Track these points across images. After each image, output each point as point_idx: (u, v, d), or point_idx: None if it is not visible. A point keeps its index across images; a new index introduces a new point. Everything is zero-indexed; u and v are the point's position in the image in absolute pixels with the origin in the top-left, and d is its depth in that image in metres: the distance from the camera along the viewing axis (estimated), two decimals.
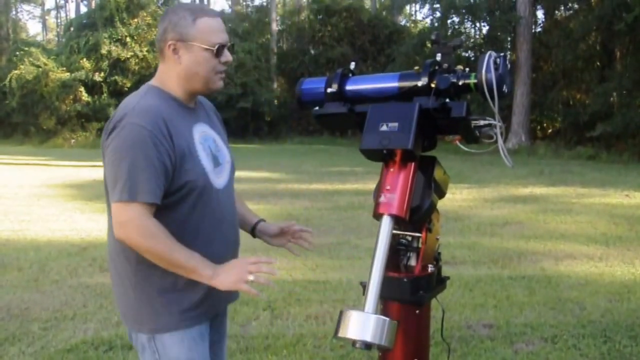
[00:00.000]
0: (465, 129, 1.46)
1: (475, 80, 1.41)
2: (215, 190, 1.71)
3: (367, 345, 1.31)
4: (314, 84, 1.66)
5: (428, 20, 24.27)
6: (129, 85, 22.78)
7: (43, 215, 7.86)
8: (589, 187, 9.94)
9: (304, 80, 1.70)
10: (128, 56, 23.27)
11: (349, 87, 1.59)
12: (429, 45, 20.42)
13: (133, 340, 1.76)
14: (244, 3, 38.21)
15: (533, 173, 11.91)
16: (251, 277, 1.58)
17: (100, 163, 1.71)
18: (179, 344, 1.68)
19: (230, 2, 41.45)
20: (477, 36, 22.61)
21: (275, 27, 28.53)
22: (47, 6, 53.16)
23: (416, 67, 1.49)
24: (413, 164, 1.46)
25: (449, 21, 20.33)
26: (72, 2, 46.94)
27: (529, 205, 8.39)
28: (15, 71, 24.18)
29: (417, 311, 1.54)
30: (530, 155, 15.74)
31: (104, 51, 23.35)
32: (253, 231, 1.99)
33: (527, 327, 3.70)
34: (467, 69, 1.46)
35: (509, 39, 20.07)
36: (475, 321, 3.84)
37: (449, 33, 19.13)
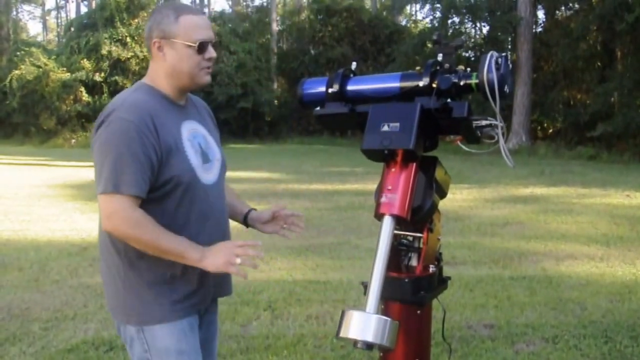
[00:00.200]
0: (466, 129, 1.46)
1: (477, 81, 1.41)
2: (203, 185, 1.74)
3: (369, 346, 1.31)
4: (315, 84, 1.66)
5: (428, 20, 24.25)
6: (129, 85, 22.56)
7: (43, 215, 7.86)
8: (589, 187, 9.93)
9: (305, 80, 1.70)
10: (128, 56, 23.26)
11: (350, 87, 1.59)
12: (429, 45, 20.44)
13: (121, 334, 1.78)
14: (244, 3, 38.23)
15: (534, 173, 11.91)
16: (238, 260, 1.60)
17: None
18: (168, 336, 1.70)
19: (230, 2, 41.48)
20: (478, 36, 22.59)
21: (275, 27, 28.54)
22: (47, 6, 53.22)
23: (418, 68, 1.49)
24: (414, 164, 1.46)
25: (449, 21, 20.32)
26: (72, 2, 47.00)
27: (530, 205, 8.39)
28: (16, 71, 24.18)
29: (419, 311, 1.54)
30: (531, 156, 15.73)
31: (104, 51, 23.35)
32: (245, 220, 2.00)
33: (528, 328, 3.70)
34: (469, 69, 1.45)
35: (509, 39, 20.06)
36: (475, 321, 3.83)
37: (449, 33, 19.12)
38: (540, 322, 3.81)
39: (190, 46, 1.68)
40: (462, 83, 1.43)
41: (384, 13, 29.12)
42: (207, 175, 1.76)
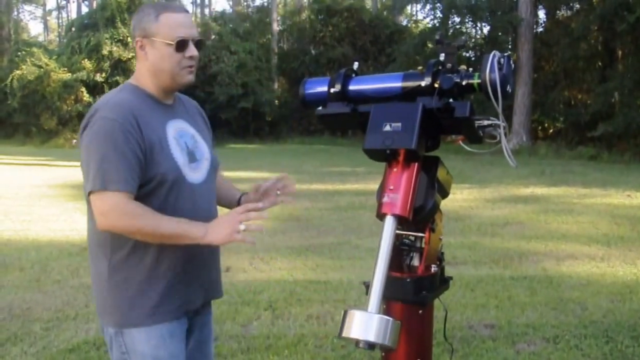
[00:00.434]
0: (468, 129, 1.46)
1: (479, 80, 1.41)
2: (189, 184, 1.72)
3: (371, 345, 1.31)
4: (317, 84, 1.66)
5: (429, 20, 24.25)
6: None
7: (44, 216, 7.87)
8: (590, 187, 9.93)
9: (307, 80, 1.69)
10: (129, 57, 23.25)
11: (352, 87, 1.59)
12: (429, 45, 20.44)
13: (105, 334, 1.77)
14: (245, 3, 38.25)
15: (534, 173, 11.91)
16: (242, 227, 1.57)
17: None
18: (146, 340, 1.69)
19: (231, 3, 41.49)
20: (478, 36, 22.59)
21: (276, 27, 28.54)
22: (48, 6, 53.30)
23: (420, 67, 1.49)
24: (416, 164, 1.45)
25: (449, 21, 20.32)
26: (73, 2, 47.01)
27: (530, 205, 8.39)
28: (17, 71, 24.21)
29: (420, 311, 1.54)
30: (532, 156, 15.73)
31: (105, 52, 23.37)
32: (239, 204, 1.97)
33: (528, 328, 3.70)
34: (471, 69, 1.45)
35: (509, 39, 20.06)
36: (476, 321, 3.83)
37: (449, 33, 19.12)
38: (541, 322, 3.81)
39: (169, 44, 1.67)
40: (464, 83, 1.43)
41: (385, 13, 29.12)
42: (194, 175, 1.74)
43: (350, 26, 25.47)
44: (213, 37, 25.87)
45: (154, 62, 1.70)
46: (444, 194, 1.57)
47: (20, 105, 24.11)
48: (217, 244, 1.61)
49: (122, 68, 23.63)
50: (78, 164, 1.73)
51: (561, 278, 4.78)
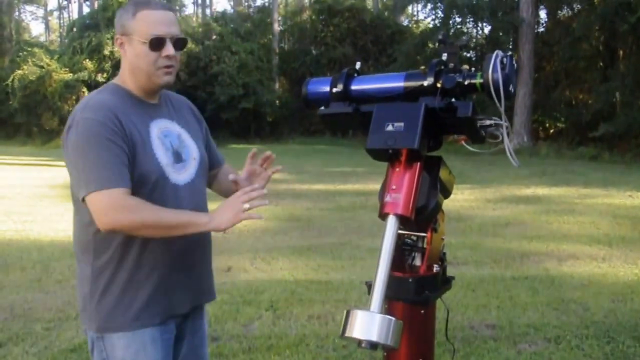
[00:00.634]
0: (471, 129, 1.46)
1: (482, 80, 1.40)
2: (172, 185, 1.68)
3: (373, 345, 1.30)
4: (319, 83, 1.65)
5: (430, 20, 24.25)
6: None
7: (46, 216, 7.88)
8: (591, 188, 9.92)
9: (309, 80, 1.69)
10: None
11: (354, 87, 1.58)
12: (430, 45, 20.44)
13: (89, 338, 1.74)
14: (246, 3, 38.26)
15: (535, 173, 11.90)
16: (246, 205, 1.56)
17: None
18: (126, 346, 1.66)
19: (232, 3, 41.50)
20: (479, 36, 22.59)
21: (277, 27, 28.54)
22: (49, 7, 53.36)
23: (422, 67, 1.48)
24: (419, 163, 1.45)
25: (450, 21, 20.32)
26: (74, 2, 47.03)
27: (532, 205, 8.38)
28: (18, 71, 24.25)
29: (422, 311, 1.54)
30: (533, 156, 15.72)
31: (106, 52, 23.40)
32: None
33: (530, 328, 3.70)
34: (473, 69, 1.45)
35: (510, 39, 20.06)
36: (478, 322, 3.83)
37: (450, 33, 19.11)
38: (543, 322, 3.81)
39: (144, 43, 1.62)
40: (466, 82, 1.42)
41: (386, 13, 29.13)
42: (179, 175, 1.70)
43: (352, 26, 25.47)
44: (214, 37, 25.89)
45: (131, 61, 1.66)
46: (447, 193, 1.57)
47: (22, 105, 24.15)
48: (225, 227, 1.57)
49: None
50: None
51: (563, 278, 4.78)
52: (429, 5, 22.46)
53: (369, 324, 1.30)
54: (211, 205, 1.77)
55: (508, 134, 1.45)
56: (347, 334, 1.32)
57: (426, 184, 1.49)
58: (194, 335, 1.85)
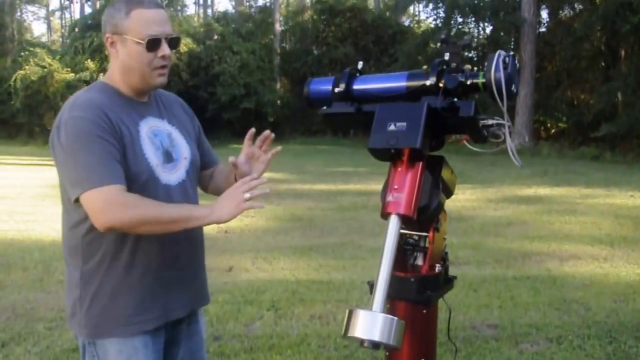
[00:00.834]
0: (473, 129, 1.45)
1: (484, 80, 1.40)
2: (163, 186, 1.64)
3: (375, 345, 1.30)
4: (321, 83, 1.65)
5: (431, 20, 24.28)
6: None
7: (48, 215, 7.88)
8: (593, 188, 9.92)
9: (312, 79, 1.69)
10: None
11: (356, 87, 1.58)
12: (432, 45, 20.44)
13: (79, 343, 1.71)
14: (248, 3, 38.27)
15: (537, 173, 11.90)
16: (247, 195, 1.52)
17: None
18: (117, 352, 1.63)
19: (233, 3, 41.52)
20: (480, 36, 22.59)
21: (278, 27, 28.55)
22: (51, 7, 53.42)
23: (425, 67, 1.48)
24: (421, 163, 1.45)
25: (452, 21, 20.32)
26: (76, 3, 47.11)
27: (533, 205, 8.38)
28: (20, 72, 24.30)
29: (425, 311, 1.54)
30: (534, 156, 15.72)
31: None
32: (236, 179, 1.89)
33: (532, 328, 3.70)
34: (476, 68, 1.45)
35: (512, 39, 20.05)
36: (479, 321, 3.83)
37: (452, 33, 19.12)
38: (544, 322, 3.80)
39: (139, 43, 1.58)
40: (468, 82, 1.42)
41: (387, 13, 29.13)
42: (169, 176, 1.67)
43: (353, 26, 25.48)
44: (215, 37, 25.91)
45: (123, 61, 1.62)
46: (449, 193, 1.56)
47: (24, 105, 24.20)
48: (226, 218, 1.52)
49: None
50: None
51: (564, 278, 4.78)
52: (431, 5, 22.49)
53: (371, 323, 1.30)
54: (199, 201, 1.74)
55: (510, 134, 1.44)
56: (349, 334, 1.32)
57: (428, 184, 1.48)
58: (191, 339, 1.82)
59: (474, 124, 1.44)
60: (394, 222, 1.41)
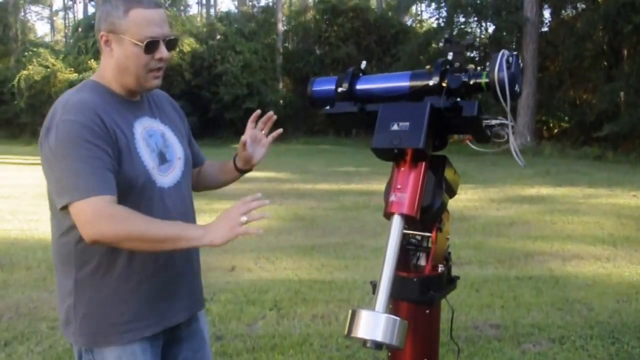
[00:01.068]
0: (476, 128, 1.45)
1: (487, 80, 1.40)
2: (159, 189, 1.60)
3: (378, 345, 1.30)
4: (324, 83, 1.65)
5: (434, 20, 24.27)
6: None
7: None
8: (595, 188, 9.90)
9: (315, 79, 1.69)
10: None
11: (359, 87, 1.58)
12: (434, 45, 20.42)
13: (75, 351, 1.66)
14: (250, 3, 38.27)
15: (539, 173, 11.88)
16: (244, 219, 1.43)
17: None
18: (115, 359, 1.59)
19: (236, 3, 41.52)
20: (483, 36, 22.57)
21: (281, 27, 28.56)
22: (55, 7, 53.45)
23: (428, 67, 1.48)
24: (424, 163, 1.45)
25: (454, 20, 20.31)
26: (80, 3, 47.17)
27: (536, 205, 8.37)
28: (24, 72, 24.35)
29: (427, 311, 1.54)
30: (536, 156, 15.69)
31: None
32: (236, 167, 1.88)
33: (534, 328, 3.70)
34: (479, 68, 1.45)
35: (514, 39, 20.03)
36: (482, 322, 3.83)
37: (454, 33, 19.11)
38: (547, 322, 3.80)
39: (138, 45, 1.52)
40: (472, 82, 1.42)
41: (390, 13, 29.12)
42: (165, 178, 1.62)
43: (355, 26, 25.48)
44: (218, 37, 25.93)
45: (119, 60, 1.55)
46: (452, 193, 1.56)
47: (27, 105, 24.25)
48: (219, 242, 1.43)
49: None
50: None
51: (567, 278, 4.77)
52: (433, 5, 22.47)
53: (374, 324, 1.30)
54: (200, 201, 1.72)
55: (513, 134, 1.44)
56: (352, 334, 1.32)
57: (431, 184, 1.48)
58: (192, 339, 1.79)
59: (477, 124, 1.44)
60: (397, 222, 1.41)
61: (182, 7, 37.57)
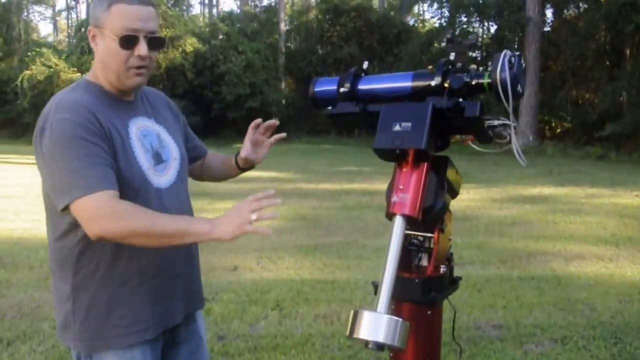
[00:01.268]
0: (478, 129, 1.45)
1: (489, 80, 1.40)
2: (155, 190, 1.57)
3: (380, 346, 1.30)
4: (326, 83, 1.65)
5: (436, 20, 24.25)
6: None
7: None
8: (598, 187, 9.88)
9: (317, 79, 1.68)
10: None
11: (361, 87, 1.58)
12: (436, 45, 20.40)
13: (74, 356, 1.64)
14: (253, 3, 38.28)
15: (541, 173, 11.86)
16: (254, 217, 1.40)
17: None
18: None
19: (238, 2, 41.53)
20: (485, 36, 22.54)
21: (283, 27, 28.58)
22: (58, 7, 53.62)
23: (430, 67, 1.48)
24: (426, 163, 1.45)
25: (456, 20, 20.29)
26: (82, 3, 47.21)
27: (538, 205, 8.35)
28: (27, 71, 24.41)
29: (429, 312, 1.54)
30: (539, 155, 15.67)
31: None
32: (238, 165, 1.88)
33: (536, 328, 3.69)
34: (481, 68, 1.44)
35: (516, 38, 20.00)
36: (484, 322, 3.82)
37: (456, 32, 19.09)
38: (549, 322, 3.79)
39: (114, 39, 1.48)
40: (474, 82, 1.41)
41: (392, 13, 29.10)
42: (161, 179, 1.59)
43: (358, 26, 25.48)
44: (221, 37, 25.96)
45: (102, 56, 1.52)
46: (454, 194, 1.56)
47: (30, 105, 24.28)
48: (228, 238, 1.40)
49: None
50: None
51: (569, 278, 4.76)
52: (435, 5, 22.44)
53: (376, 325, 1.30)
54: (202, 200, 1.73)
55: (516, 134, 1.44)
56: (354, 335, 1.32)
57: (433, 184, 1.48)
58: (190, 340, 1.78)
59: (479, 125, 1.43)
60: (398, 223, 1.41)
61: (184, 7, 37.59)
